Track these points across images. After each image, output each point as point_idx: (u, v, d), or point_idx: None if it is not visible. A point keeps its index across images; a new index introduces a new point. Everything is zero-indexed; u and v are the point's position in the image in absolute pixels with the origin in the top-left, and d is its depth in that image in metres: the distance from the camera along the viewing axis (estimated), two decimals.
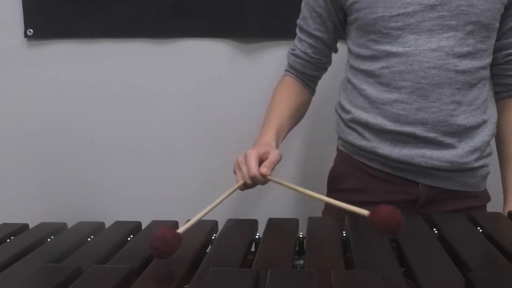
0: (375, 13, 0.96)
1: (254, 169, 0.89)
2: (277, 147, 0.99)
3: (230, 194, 0.86)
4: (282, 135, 1.04)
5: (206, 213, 0.76)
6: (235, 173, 0.94)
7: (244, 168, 0.91)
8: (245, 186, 0.92)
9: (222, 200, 0.82)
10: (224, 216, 0.86)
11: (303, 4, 1.09)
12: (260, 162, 0.91)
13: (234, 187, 0.89)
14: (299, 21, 1.11)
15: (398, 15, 0.95)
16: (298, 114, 1.11)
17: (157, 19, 1.38)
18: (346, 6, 1.02)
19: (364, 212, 0.69)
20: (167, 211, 1.32)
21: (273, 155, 0.93)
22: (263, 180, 0.90)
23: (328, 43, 1.10)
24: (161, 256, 0.64)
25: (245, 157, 0.91)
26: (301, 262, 0.70)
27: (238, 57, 1.40)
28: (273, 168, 0.92)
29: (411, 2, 0.94)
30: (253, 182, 0.90)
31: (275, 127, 1.02)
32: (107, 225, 0.88)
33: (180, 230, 0.69)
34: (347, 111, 1.06)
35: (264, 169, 0.89)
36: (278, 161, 0.93)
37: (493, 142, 1.06)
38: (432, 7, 0.94)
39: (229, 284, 0.54)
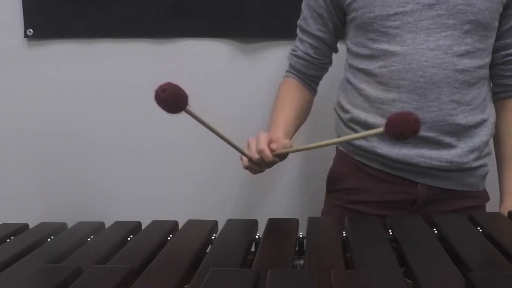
0: (373, 12, 0.96)
1: (263, 143, 0.90)
2: None
3: (236, 146, 0.86)
4: (289, 136, 1.04)
5: (207, 126, 0.75)
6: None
7: (253, 144, 0.92)
8: (251, 165, 0.92)
9: (227, 140, 0.82)
10: (224, 216, 0.86)
11: (303, 5, 1.09)
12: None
13: (243, 151, 0.90)
14: (299, 22, 1.11)
15: (395, 14, 0.95)
16: (302, 115, 1.11)
17: (157, 19, 1.38)
18: (345, 5, 1.02)
19: (379, 129, 0.70)
20: (167, 211, 1.32)
21: (285, 140, 0.95)
22: (269, 157, 0.90)
23: (329, 43, 1.10)
24: (164, 99, 0.62)
25: (257, 136, 0.92)
26: (301, 262, 0.70)
27: (238, 57, 1.40)
28: (282, 153, 0.92)
29: (408, 1, 0.94)
30: (259, 159, 0.91)
31: (282, 128, 1.02)
32: (107, 225, 0.88)
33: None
34: (346, 111, 1.06)
35: (273, 145, 0.91)
36: (288, 146, 0.94)
37: (491, 142, 1.06)
38: (430, 6, 0.94)
39: (229, 284, 0.54)
